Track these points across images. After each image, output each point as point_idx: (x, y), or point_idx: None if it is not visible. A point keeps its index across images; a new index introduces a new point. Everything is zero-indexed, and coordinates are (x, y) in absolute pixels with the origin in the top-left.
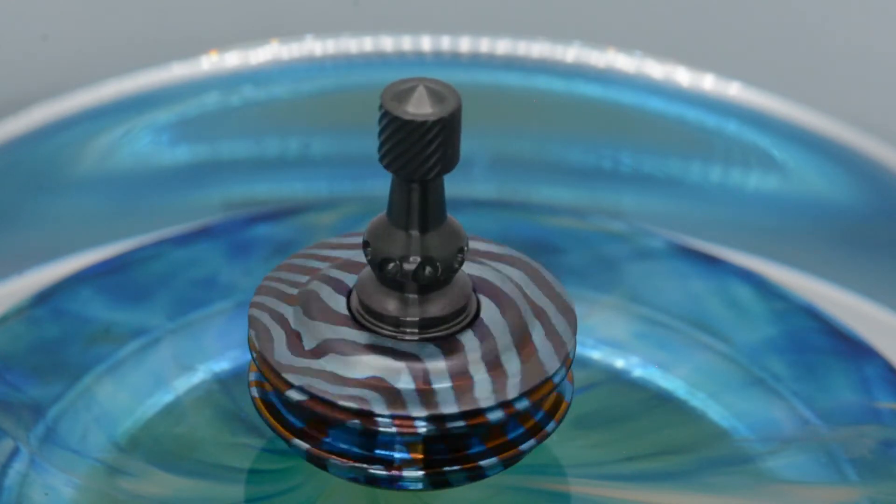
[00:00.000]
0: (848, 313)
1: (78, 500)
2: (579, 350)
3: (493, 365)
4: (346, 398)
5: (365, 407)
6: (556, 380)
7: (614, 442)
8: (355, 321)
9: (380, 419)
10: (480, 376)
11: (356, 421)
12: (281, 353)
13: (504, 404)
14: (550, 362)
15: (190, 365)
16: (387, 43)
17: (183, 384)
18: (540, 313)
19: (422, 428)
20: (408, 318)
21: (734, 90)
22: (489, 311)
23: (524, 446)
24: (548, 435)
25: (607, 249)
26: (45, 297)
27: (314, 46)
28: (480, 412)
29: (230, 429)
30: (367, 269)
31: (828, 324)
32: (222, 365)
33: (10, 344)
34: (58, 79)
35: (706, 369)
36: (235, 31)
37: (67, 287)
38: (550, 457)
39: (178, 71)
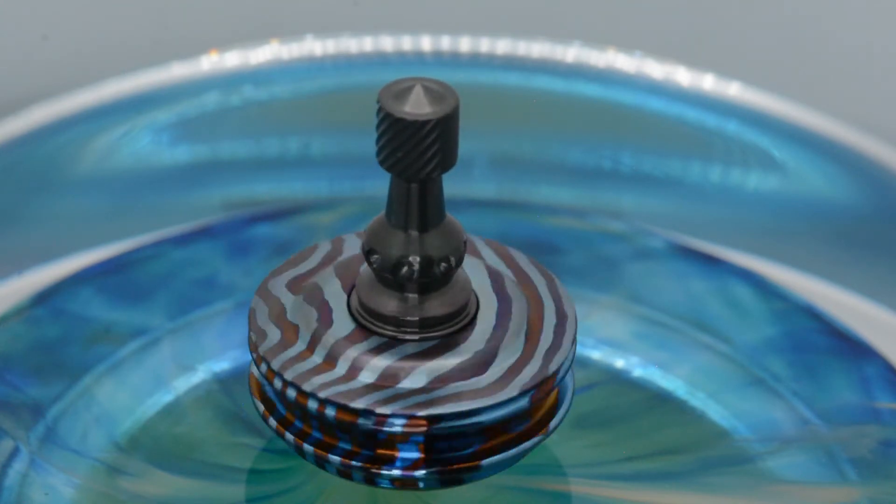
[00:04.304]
0: (848, 313)
1: (78, 500)
2: (579, 350)
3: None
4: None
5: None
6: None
7: (614, 442)
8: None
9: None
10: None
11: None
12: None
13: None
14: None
15: (190, 365)
16: (387, 43)
17: (183, 384)
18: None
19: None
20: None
21: (734, 90)
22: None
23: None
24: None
25: (607, 249)
26: (45, 297)
27: (314, 46)
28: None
29: (230, 429)
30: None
31: (828, 324)
32: (222, 365)
33: (10, 344)
34: (58, 79)
35: (706, 369)
36: (235, 31)
37: (67, 287)
38: (550, 457)
39: (178, 71)
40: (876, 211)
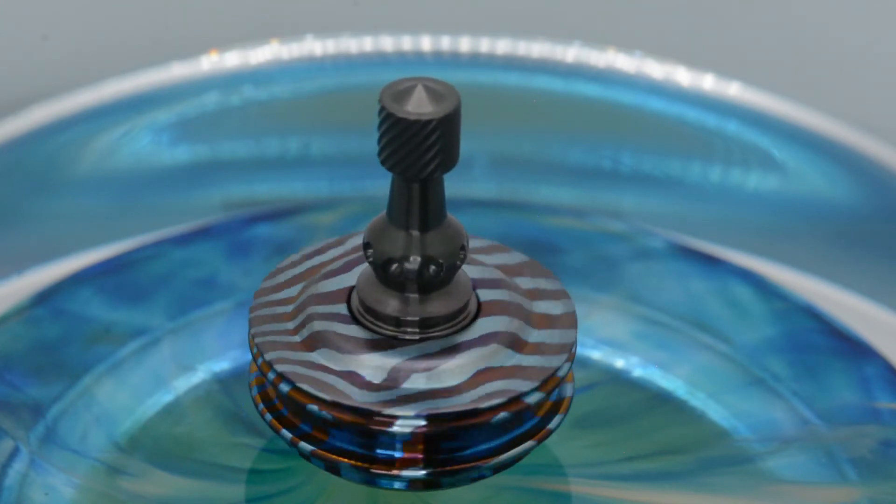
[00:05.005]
0: (848, 313)
1: (78, 500)
2: (579, 350)
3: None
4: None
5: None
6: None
7: (614, 442)
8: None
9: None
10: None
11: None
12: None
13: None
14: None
15: (190, 365)
16: (387, 43)
17: (183, 384)
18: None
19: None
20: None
21: (734, 90)
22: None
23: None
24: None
25: (607, 249)
26: (45, 297)
27: (314, 46)
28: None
29: (230, 429)
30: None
31: (828, 324)
32: (222, 365)
33: (10, 344)
34: (58, 79)
35: (706, 369)
36: (235, 31)
37: (67, 287)
38: (550, 457)
39: (178, 71)
40: (876, 211)
